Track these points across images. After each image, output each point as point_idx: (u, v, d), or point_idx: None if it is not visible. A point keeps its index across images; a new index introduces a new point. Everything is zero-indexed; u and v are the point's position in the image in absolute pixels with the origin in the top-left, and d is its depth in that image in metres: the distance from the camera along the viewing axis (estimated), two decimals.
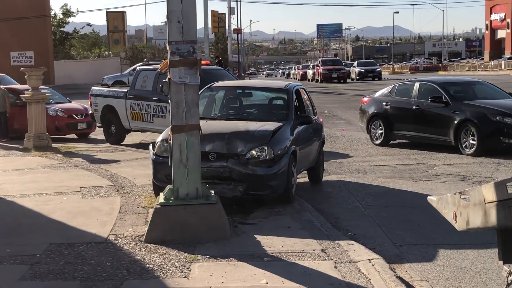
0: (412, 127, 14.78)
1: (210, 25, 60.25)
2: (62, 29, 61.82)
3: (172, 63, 6.96)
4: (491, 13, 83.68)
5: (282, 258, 6.32)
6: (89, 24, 68.41)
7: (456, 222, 3.86)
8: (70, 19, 61.35)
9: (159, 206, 7.00)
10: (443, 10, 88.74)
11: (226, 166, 8.25)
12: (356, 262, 6.21)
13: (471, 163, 12.43)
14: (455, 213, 3.84)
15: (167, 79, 7.04)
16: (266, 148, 8.37)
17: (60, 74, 50.48)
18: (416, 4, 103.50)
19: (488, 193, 3.49)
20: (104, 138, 16.79)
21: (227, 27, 67.33)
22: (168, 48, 7.02)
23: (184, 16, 6.96)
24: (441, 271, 6.24)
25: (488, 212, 3.49)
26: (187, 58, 6.96)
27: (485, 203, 3.52)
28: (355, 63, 64.11)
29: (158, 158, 8.58)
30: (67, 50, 63.97)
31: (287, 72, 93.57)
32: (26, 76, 15.10)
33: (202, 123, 7.57)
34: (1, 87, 17.68)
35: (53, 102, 18.27)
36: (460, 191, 3.85)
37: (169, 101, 7.04)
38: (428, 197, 4.20)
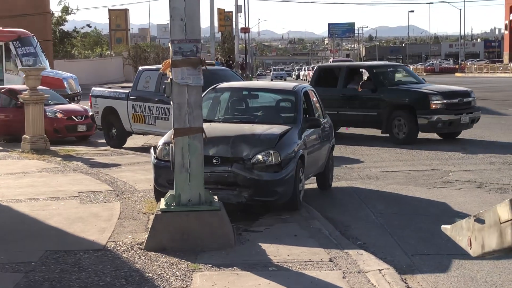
0: None
1: (216, 24, 60.36)
2: (61, 27, 62.00)
3: (174, 63, 6.96)
4: (510, 12, 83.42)
5: (288, 267, 6.31)
6: (88, 25, 68.53)
7: (471, 248, 3.86)
8: (70, 17, 61.55)
9: (160, 213, 7.00)
10: (460, 9, 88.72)
11: (230, 171, 8.25)
12: (366, 272, 6.19)
13: (488, 169, 12.39)
14: (470, 239, 3.84)
15: (168, 80, 7.05)
16: (272, 152, 8.36)
17: None
18: (432, 3, 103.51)
19: (503, 212, 3.49)
20: (104, 141, 16.82)
21: (234, 26, 67.52)
22: (170, 48, 7.03)
23: (187, 13, 6.96)
24: (455, 282, 6.22)
25: (504, 232, 3.48)
26: (190, 58, 6.96)
27: (501, 223, 3.51)
28: None
29: (160, 162, 8.59)
30: (68, 50, 64.19)
31: (296, 73, 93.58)
32: (24, 75, 15.15)
33: (205, 126, 7.57)
34: None
35: (52, 103, 18.33)
36: (474, 214, 3.85)
37: (171, 102, 7.05)
38: (442, 226, 4.24)
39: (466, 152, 14.60)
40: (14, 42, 25.03)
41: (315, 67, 18.51)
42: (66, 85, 25.00)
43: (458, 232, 4.05)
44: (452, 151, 14.76)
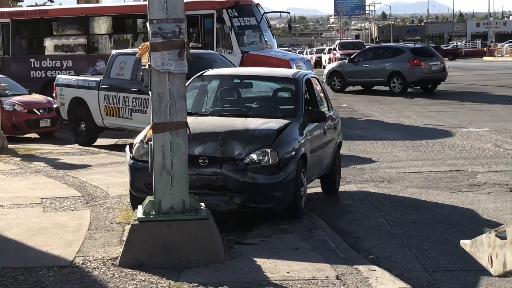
0: None
1: None
2: (20, 3, 61.82)
3: (153, 47, 6.94)
4: None
5: (288, 286, 6.31)
6: (51, 0, 68.36)
7: (491, 266, 3.91)
8: None
9: (137, 222, 6.99)
10: None
11: (220, 173, 8.24)
12: None
13: None
14: (491, 256, 3.88)
15: (147, 66, 7.03)
16: (269, 151, 8.36)
17: None
18: None
19: None
20: (72, 138, 16.81)
21: None
22: (149, 28, 7.02)
23: None
24: None
25: None
26: (172, 40, 6.95)
27: None
28: None
29: (137, 163, 8.57)
30: None
31: None
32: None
33: (190, 120, 7.57)
34: None
35: (9, 93, 18.30)
36: (496, 228, 3.87)
37: (150, 93, 7.03)
38: (461, 241, 4.25)
39: (496, 149, 14.63)
40: (229, 11, 21.68)
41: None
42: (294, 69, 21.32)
43: (478, 249, 4.09)
44: (481, 148, 14.78)
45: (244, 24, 22.05)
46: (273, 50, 22.54)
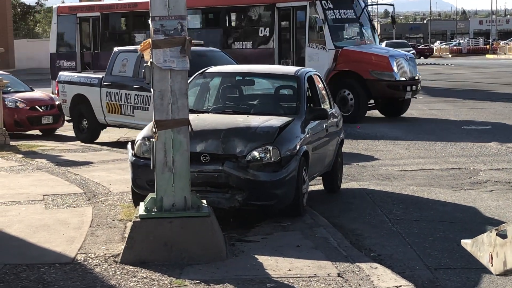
0: None
1: None
2: (22, 0, 61.87)
3: (155, 44, 6.95)
4: None
5: (290, 284, 6.31)
6: None
7: (492, 265, 3.93)
8: None
9: (139, 219, 6.99)
10: None
11: (221, 171, 8.24)
12: None
13: None
14: (491, 255, 3.91)
15: (149, 63, 7.03)
16: (271, 148, 8.36)
17: (21, 55, 50.58)
18: None
19: None
20: (74, 135, 16.82)
21: None
22: (150, 25, 7.01)
23: None
24: None
25: None
26: (173, 37, 6.95)
27: None
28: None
29: (138, 160, 8.57)
30: (30, 27, 64.03)
31: None
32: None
33: (192, 117, 7.57)
34: None
35: (12, 90, 18.30)
36: (496, 227, 3.88)
37: (152, 90, 7.04)
38: (462, 240, 4.26)
39: (499, 147, 14.62)
40: (323, 2, 20.02)
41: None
42: (394, 67, 19.79)
43: (479, 248, 4.11)
44: (483, 146, 14.77)
45: (340, 17, 20.62)
46: (373, 46, 21.30)
